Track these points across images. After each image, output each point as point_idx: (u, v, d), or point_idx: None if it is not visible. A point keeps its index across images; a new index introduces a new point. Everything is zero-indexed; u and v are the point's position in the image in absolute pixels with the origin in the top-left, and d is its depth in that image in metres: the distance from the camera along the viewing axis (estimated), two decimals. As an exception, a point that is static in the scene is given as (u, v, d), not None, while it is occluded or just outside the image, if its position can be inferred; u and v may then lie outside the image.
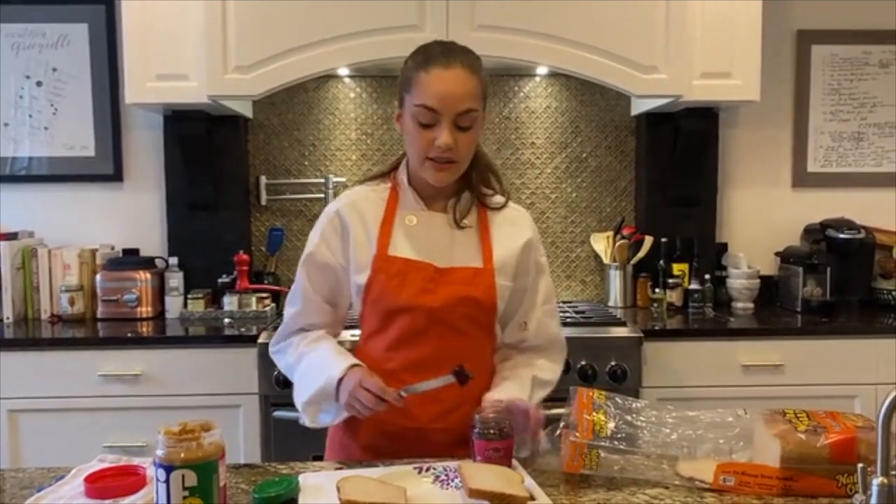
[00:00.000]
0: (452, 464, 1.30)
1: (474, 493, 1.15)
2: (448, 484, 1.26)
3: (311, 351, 1.56)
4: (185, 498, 1.04)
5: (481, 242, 1.56)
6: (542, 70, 3.02)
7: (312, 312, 1.61)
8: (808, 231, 3.12)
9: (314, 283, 1.59)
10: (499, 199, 1.62)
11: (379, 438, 1.51)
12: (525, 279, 1.60)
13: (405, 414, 1.47)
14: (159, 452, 1.05)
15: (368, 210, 1.56)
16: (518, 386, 1.53)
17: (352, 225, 1.55)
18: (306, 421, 1.54)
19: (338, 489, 1.16)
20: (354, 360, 1.48)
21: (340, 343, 1.63)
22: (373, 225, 1.55)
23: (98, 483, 1.21)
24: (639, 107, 3.04)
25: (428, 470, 1.30)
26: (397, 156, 1.65)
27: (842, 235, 2.95)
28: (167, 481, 1.03)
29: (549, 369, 1.64)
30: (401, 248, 1.53)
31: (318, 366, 1.51)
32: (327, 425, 1.55)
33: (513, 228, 1.60)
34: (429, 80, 1.44)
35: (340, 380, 1.43)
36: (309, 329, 1.62)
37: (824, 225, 3.03)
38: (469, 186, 1.58)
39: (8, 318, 2.82)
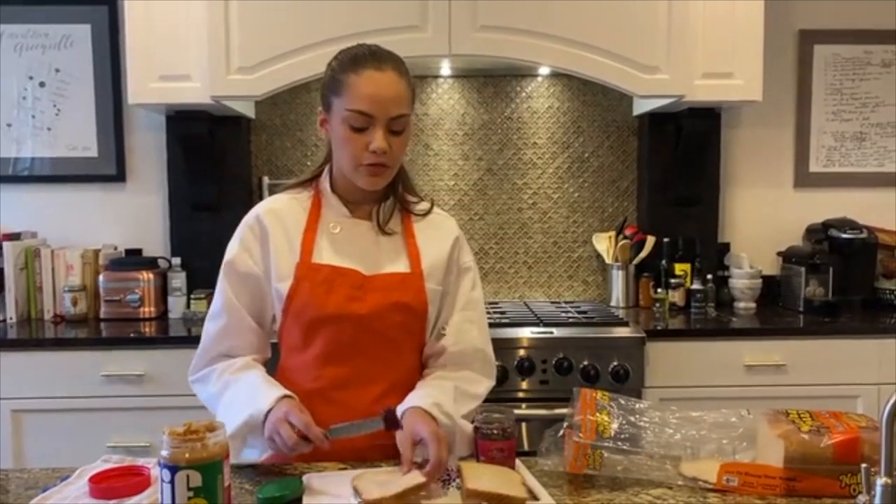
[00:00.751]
0: (454, 464, 1.30)
1: (470, 494, 1.15)
2: (449, 484, 1.26)
3: (237, 380, 1.44)
4: (189, 498, 1.04)
5: (407, 248, 1.51)
6: (544, 70, 3.02)
7: (237, 329, 1.50)
8: (811, 231, 3.12)
9: (238, 293, 1.49)
10: (424, 205, 1.57)
11: (308, 460, 1.39)
12: (448, 280, 1.55)
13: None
14: (164, 453, 1.05)
15: (289, 217, 1.50)
16: (438, 391, 1.43)
17: (272, 232, 1.48)
18: (232, 455, 1.37)
19: (356, 490, 1.16)
20: (285, 392, 1.37)
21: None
22: (294, 232, 1.48)
23: (103, 483, 1.22)
24: (641, 107, 3.04)
25: None
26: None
27: (844, 235, 2.94)
28: (172, 482, 1.03)
29: (476, 381, 1.53)
30: (326, 255, 1.47)
31: (244, 396, 1.39)
32: (252, 462, 1.40)
33: (438, 232, 1.56)
34: (360, 82, 1.39)
35: (268, 412, 1.32)
36: (232, 353, 1.50)
37: (826, 225, 3.03)
38: (394, 193, 1.54)
39: (11, 319, 2.82)
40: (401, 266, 1.50)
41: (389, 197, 1.54)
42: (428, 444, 1.25)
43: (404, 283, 1.48)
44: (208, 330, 1.52)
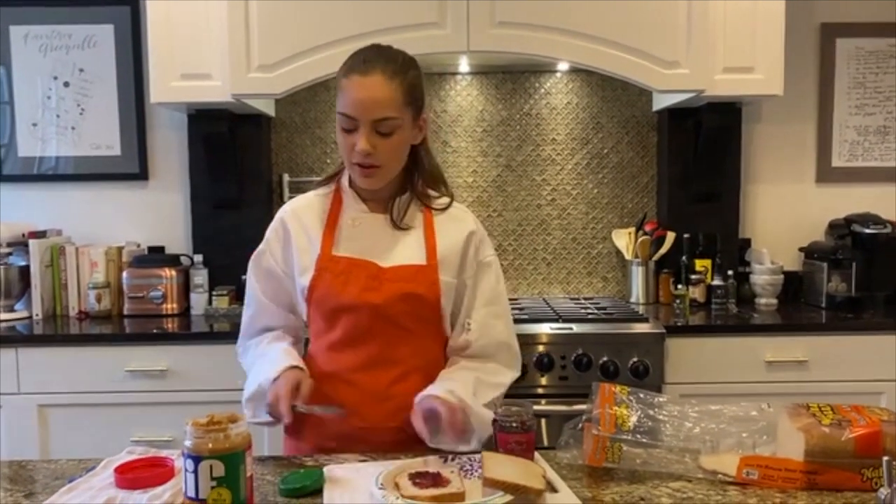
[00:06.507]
0: (477, 455, 1.31)
1: (489, 483, 1.16)
2: (472, 474, 1.27)
3: (265, 353, 1.56)
4: (213, 488, 1.05)
5: (425, 241, 1.55)
6: (562, 66, 3.02)
7: (265, 315, 1.63)
8: (833, 226, 3.09)
9: (262, 285, 1.62)
10: (444, 200, 1.61)
11: (326, 440, 1.50)
12: (465, 274, 1.58)
13: (355, 413, 1.47)
14: (187, 443, 1.07)
15: (309, 215, 1.58)
16: (454, 381, 1.48)
17: (293, 232, 1.57)
18: (248, 416, 1.49)
19: (397, 486, 1.18)
20: (295, 363, 1.48)
21: None
22: (314, 229, 1.56)
23: (128, 474, 1.23)
24: (660, 102, 3.03)
25: (453, 459, 1.31)
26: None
27: (867, 230, 2.91)
28: (195, 471, 1.05)
29: (498, 372, 1.58)
30: (344, 248, 1.54)
31: (264, 366, 1.51)
32: (263, 423, 1.51)
33: (454, 225, 1.59)
34: (348, 86, 1.44)
35: (274, 381, 1.43)
36: (271, 329, 1.64)
37: (849, 220, 2.99)
38: (411, 187, 1.58)
39: (37, 315, 2.87)
40: (416, 258, 1.54)
41: (406, 191, 1.58)
42: (435, 407, 1.36)
43: (419, 275, 1.52)
44: (244, 316, 1.67)
